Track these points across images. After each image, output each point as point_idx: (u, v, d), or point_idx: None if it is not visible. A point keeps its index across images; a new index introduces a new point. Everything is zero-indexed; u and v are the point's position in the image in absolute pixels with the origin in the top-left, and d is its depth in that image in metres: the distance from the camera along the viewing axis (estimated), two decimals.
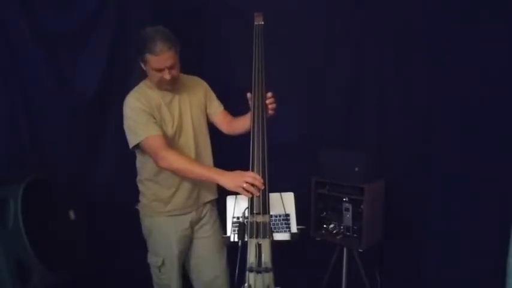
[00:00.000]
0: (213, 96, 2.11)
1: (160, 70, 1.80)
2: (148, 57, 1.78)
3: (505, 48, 2.09)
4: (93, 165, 2.41)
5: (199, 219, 2.06)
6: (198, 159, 1.97)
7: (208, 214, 2.08)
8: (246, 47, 1.91)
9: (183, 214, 1.99)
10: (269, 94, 1.82)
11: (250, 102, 1.81)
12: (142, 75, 1.92)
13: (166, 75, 1.81)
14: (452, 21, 2.20)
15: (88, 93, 2.32)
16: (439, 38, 2.24)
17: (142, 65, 1.85)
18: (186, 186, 1.95)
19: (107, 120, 2.36)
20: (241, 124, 1.99)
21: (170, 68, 1.80)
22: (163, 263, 1.98)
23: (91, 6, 2.28)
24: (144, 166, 1.94)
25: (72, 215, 2.15)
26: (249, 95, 1.84)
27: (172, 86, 1.89)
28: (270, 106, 1.84)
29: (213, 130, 2.10)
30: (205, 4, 2.50)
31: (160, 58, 1.77)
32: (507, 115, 2.14)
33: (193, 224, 2.04)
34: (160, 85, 1.87)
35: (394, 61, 2.36)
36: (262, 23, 1.91)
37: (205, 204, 2.07)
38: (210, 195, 2.07)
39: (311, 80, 2.46)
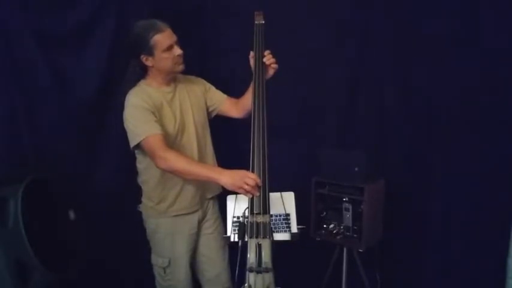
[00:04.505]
0: (213, 88, 2.12)
1: (170, 48, 1.83)
2: (156, 38, 1.80)
3: (506, 48, 2.10)
4: (93, 165, 2.41)
5: (205, 215, 2.06)
6: (201, 158, 1.97)
7: (211, 210, 2.09)
8: (247, 47, 1.91)
9: (190, 213, 1.99)
10: (267, 52, 1.87)
11: (252, 63, 1.88)
12: (137, 77, 1.91)
13: (178, 50, 1.85)
14: (452, 19, 2.20)
15: (88, 93, 2.32)
16: (439, 37, 2.24)
17: (146, 61, 1.84)
18: (191, 184, 1.94)
19: (107, 120, 2.36)
20: (247, 100, 1.99)
21: (176, 43, 1.85)
22: (169, 264, 1.97)
23: (91, 6, 2.28)
24: (147, 167, 1.92)
25: (72, 215, 2.15)
26: (251, 54, 1.88)
27: (183, 68, 1.91)
28: (268, 62, 1.87)
29: (214, 129, 2.10)
30: (205, 4, 2.50)
31: (167, 33, 1.82)
32: (507, 115, 2.14)
33: (200, 222, 2.04)
34: (175, 67, 1.88)
35: (394, 61, 2.36)
36: (263, 22, 1.91)
37: (208, 200, 2.07)
38: (215, 190, 2.06)
39: (311, 80, 2.46)
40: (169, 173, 1.84)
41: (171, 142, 1.87)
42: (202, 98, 2.06)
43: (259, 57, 1.86)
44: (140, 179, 2.00)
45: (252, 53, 1.89)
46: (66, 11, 2.25)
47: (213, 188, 2.04)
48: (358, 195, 2.14)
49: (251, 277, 1.52)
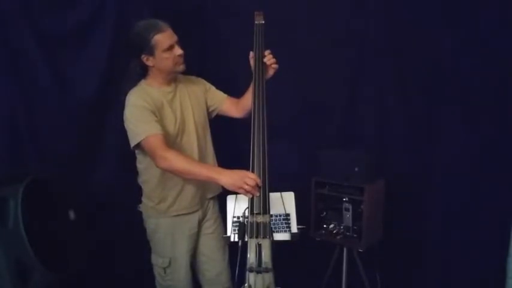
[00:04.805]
0: (213, 88, 2.12)
1: (171, 47, 1.83)
2: (157, 38, 1.80)
3: (506, 48, 2.10)
4: (93, 165, 2.41)
5: (205, 215, 2.06)
6: (201, 157, 1.97)
7: (211, 210, 2.09)
8: (247, 47, 1.91)
9: (190, 213, 1.99)
10: (267, 52, 1.87)
11: (252, 63, 1.88)
12: (137, 77, 1.92)
13: (179, 50, 1.85)
14: (452, 19, 2.20)
15: (88, 93, 2.32)
16: (438, 37, 2.25)
17: (146, 61, 1.84)
18: (191, 184, 1.94)
19: (107, 120, 2.36)
20: (248, 100, 1.99)
21: (177, 43, 1.85)
22: (169, 264, 1.97)
23: (91, 7, 2.28)
24: (148, 167, 1.92)
25: (72, 215, 2.15)
26: (251, 53, 1.88)
27: (184, 68, 1.92)
28: (269, 62, 1.87)
29: (214, 129, 2.10)
30: (205, 4, 2.50)
31: (167, 33, 1.82)
32: (507, 115, 2.14)
33: (200, 222, 2.04)
34: (176, 67, 1.88)
35: (394, 61, 2.37)
36: (263, 22, 1.91)
37: (209, 200, 2.07)
38: (215, 190, 2.06)
39: (311, 80, 2.47)
40: (169, 173, 1.84)
41: (172, 142, 1.87)
42: (202, 98, 2.06)
43: (259, 57, 1.86)
44: (140, 179, 2.00)
45: (252, 53, 1.89)
46: (66, 11, 2.25)
47: (213, 188, 2.04)
48: (358, 195, 2.14)
49: (251, 277, 1.52)
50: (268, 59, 1.88)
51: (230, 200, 1.86)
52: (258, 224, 1.58)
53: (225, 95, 2.11)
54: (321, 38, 2.41)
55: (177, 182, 1.92)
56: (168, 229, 1.97)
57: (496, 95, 2.15)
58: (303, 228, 1.85)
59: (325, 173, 2.25)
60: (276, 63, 1.90)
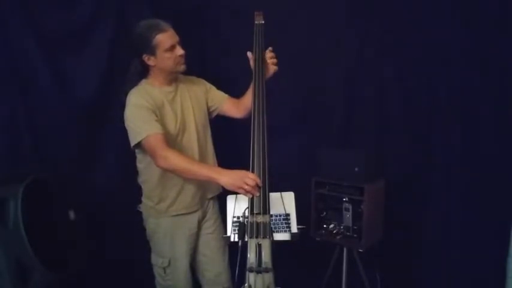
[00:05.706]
0: (213, 88, 2.12)
1: (173, 47, 1.84)
2: (158, 38, 1.80)
3: (506, 48, 2.10)
4: (93, 165, 2.41)
5: (205, 215, 2.07)
6: (201, 157, 1.97)
7: (211, 210, 2.09)
8: (247, 47, 1.91)
9: (190, 213, 1.99)
10: (269, 49, 1.89)
11: (251, 63, 1.88)
12: (138, 77, 1.92)
13: (180, 50, 1.86)
14: (452, 19, 2.20)
15: (88, 93, 2.32)
16: (439, 37, 2.25)
17: (148, 60, 1.85)
18: (191, 184, 1.94)
19: (107, 120, 2.36)
20: (248, 100, 1.99)
21: (178, 43, 1.86)
22: (169, 264, 1.97)
23: (91, 7, 2.28)
24: (148, 166, 1.92)
25: (72, 215, 2.15)
26: (249, 54, 1.88)
27: (185, 68, 1.92)
28: (270, 61, 1.89)
29: (214, 129, 2.10)
30: (205, 4, 2.50)
31: (169, 33, 1.83)
32: (507, 115, 2.14)
33: (200, 222, 2.04)
34: (177, 67, 1.89)
35: (394, 61, 2.37)
36: (263, 22, 1.91)
37: (209, 200, 2.07)
38: (215, 190, 2.06)
39: (311, 80, 2.47)
40: (169, 173, 1.84)
41: (172, 141, 1.87)
42: (203, 98, 2.06)
43: (259, 57, 1.86)
44: (140, 179, 2.00)
45: (250, 54, 1.89)
46: (66, 11, 2.25)
47: (213, 188, 2.04)
48: (358, 195, 2.14)
49: (251, 277, 1.51)
50: (270, 56, 1.89)
51: (230, 200, 1.86)
52: (258, 224, 1.58)
53: (226, 95, 2.12)
54: (321, 38, 2.41)
55: (177, 181, 1.92)
56: (168, 229, 1.97)
57: (496, 95, 2.15)
58: (303, 228, 1.85)
59: (325, 173, 2.25)
60: (277, 64, 1.90)
